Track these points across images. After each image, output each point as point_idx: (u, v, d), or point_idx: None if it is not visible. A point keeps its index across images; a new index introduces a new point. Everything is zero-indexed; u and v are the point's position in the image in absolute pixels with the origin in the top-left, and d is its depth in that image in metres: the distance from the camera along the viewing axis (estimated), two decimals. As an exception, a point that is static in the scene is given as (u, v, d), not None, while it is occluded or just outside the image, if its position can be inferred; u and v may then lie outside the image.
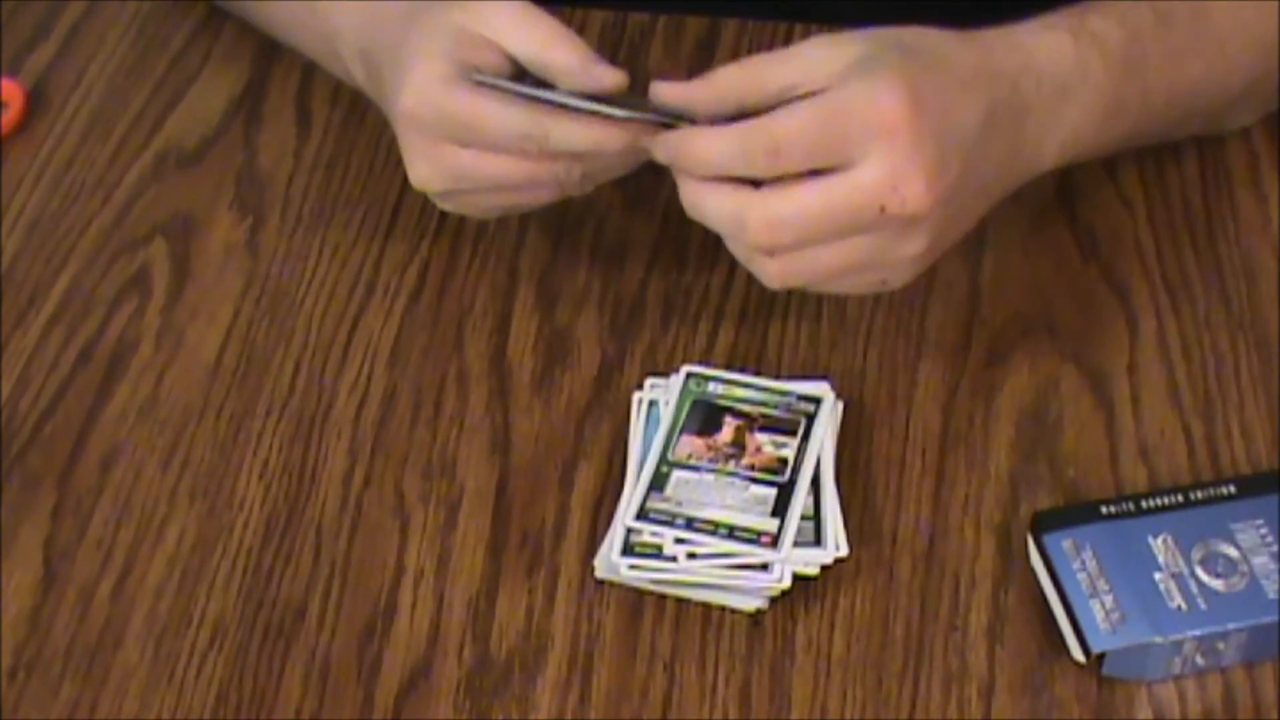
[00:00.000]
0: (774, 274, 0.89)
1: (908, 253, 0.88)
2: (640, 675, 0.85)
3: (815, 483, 0.89)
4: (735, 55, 1.13)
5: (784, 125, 0.86)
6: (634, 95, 0.91)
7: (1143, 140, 1.01)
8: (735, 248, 0.89)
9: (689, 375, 0.94)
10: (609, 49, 1.13)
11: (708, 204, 0.88)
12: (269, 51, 1.13)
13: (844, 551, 0.87)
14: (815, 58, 0.88)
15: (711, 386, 0.94)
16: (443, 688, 0.85)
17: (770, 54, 0.90)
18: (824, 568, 0.87)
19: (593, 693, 0.85)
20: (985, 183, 0.90)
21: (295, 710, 0.85)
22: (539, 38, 0.92)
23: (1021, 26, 0.93)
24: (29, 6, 1.18)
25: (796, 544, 0.87)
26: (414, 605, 0.88)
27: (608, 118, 0.90)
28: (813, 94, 0.86)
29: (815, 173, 0.86)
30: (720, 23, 1.15)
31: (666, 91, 0.89)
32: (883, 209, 0.85)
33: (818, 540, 0.87)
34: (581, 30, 1.13)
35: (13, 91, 1.11)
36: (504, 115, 0.90)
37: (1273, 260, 1.01)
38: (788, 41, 1.14)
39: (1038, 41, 0.92)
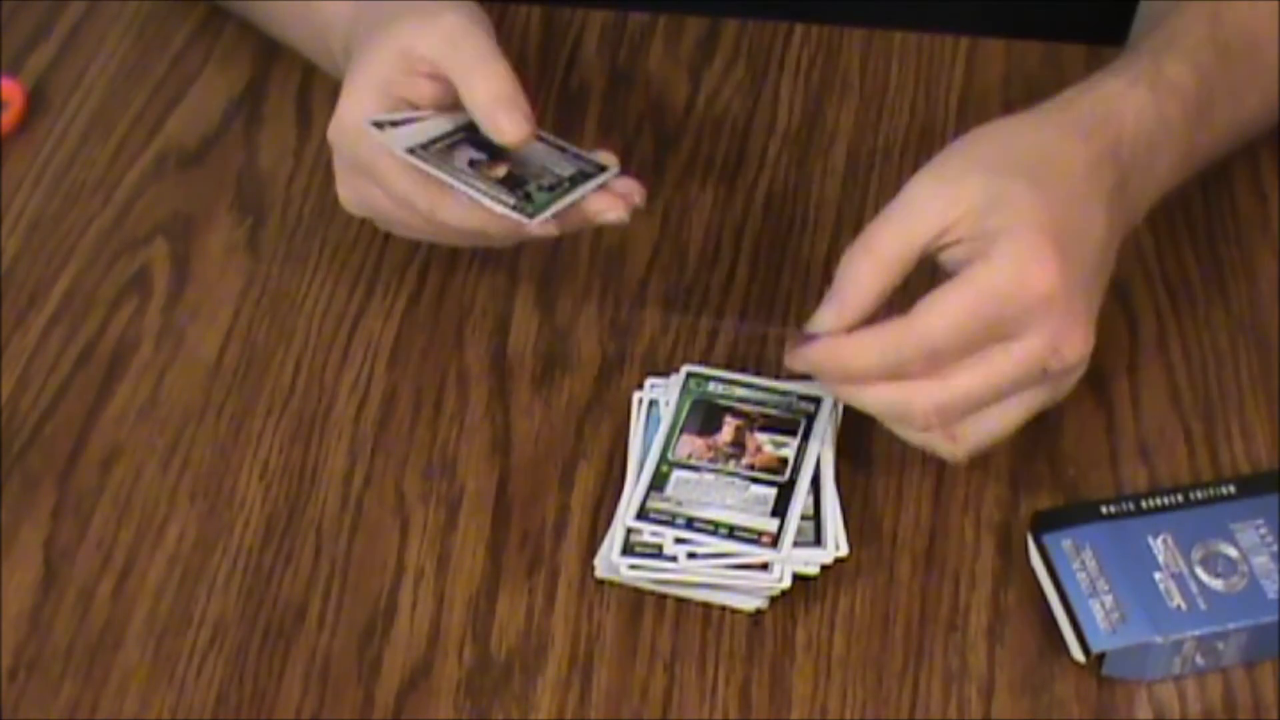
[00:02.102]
0: (949, 450, 0.87)
1: (1070, 385, 0.87)
2: (640, 675, 0.85)
3: (815, 482, 0.89)
4: (735, 55, 1.13)
5: (938, 328, 0.83)
6: (551, 140, 0.92)
7: (1202, 168, 0.98)
8: (901, 431, 0.87)
9: (689, 375, 0.94)
10: (609, 49, 1.13)
11: (865, 398, 0.86)
12: (269, 51, 1.13)
13: (844, 551, 0.87)
14: (936, 209, 0.84)
15: (711, 386, 0.94)
16: (443, 688, 0.85)
17: (883, 222, 0.85)
18: (824, 567, 0.87)
19: (593, 693, 0.85)
20: (1110, 267, 0.89)
21: (295, 710, 0.85)
22: (464, 63, 0.91)
23: (1107, 88, 0.90)
24: (29, 6, 1.18)
25: (796, 544, 0.87)
26: (414, 605, 0.88)
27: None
28: (948, 245, 0.83)
29: None
30: (720, 23, 1.15)
31: (827, 354, 0.85)
32: (1044, 370, 0.84)
33: (818, 540, 0.87)
34: (581, 30, 1.14)
35: (13, 91, 1.11)
36: (397, 178, 0.91)
37: (1273, 260, 1.01)
38: (788, 42, 1.14)
39: (1125, 105, 0.89)
